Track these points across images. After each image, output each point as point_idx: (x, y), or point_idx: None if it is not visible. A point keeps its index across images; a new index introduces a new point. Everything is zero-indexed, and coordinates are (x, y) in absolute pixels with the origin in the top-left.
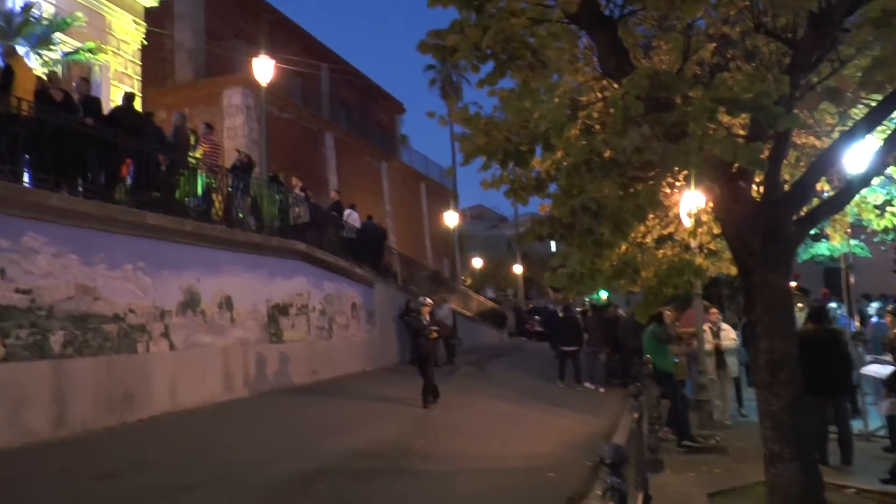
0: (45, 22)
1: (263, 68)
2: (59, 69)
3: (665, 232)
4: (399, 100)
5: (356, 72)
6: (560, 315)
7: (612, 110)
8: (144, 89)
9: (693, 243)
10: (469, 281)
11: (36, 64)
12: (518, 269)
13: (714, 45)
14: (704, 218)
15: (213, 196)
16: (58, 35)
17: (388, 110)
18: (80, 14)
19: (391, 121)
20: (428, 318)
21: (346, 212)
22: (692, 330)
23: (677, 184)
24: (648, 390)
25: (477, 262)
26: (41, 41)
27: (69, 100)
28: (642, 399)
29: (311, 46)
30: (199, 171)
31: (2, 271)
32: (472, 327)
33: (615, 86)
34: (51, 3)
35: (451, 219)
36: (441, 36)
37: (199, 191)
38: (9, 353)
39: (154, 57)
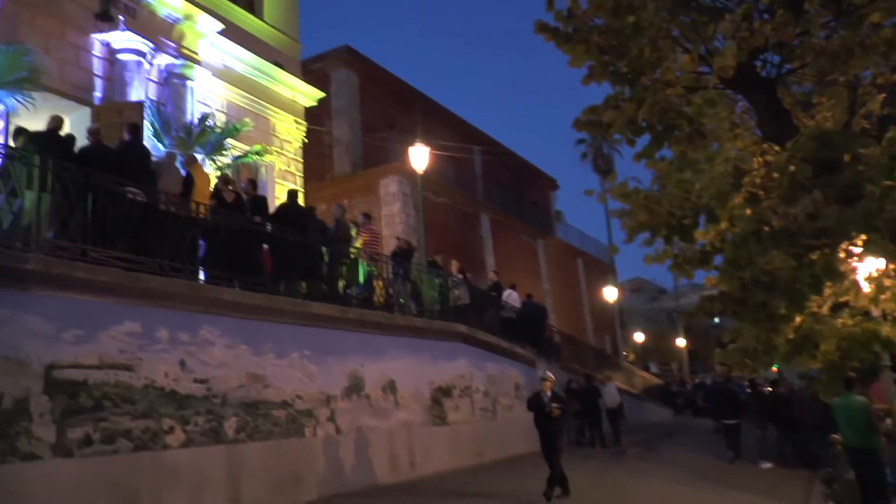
0: (218, 130)
1: (418, 156)
2: (230, 172)
3: (841, 300)
4: (551, 176)
5: (508, 151)
6: (721, 388)
7: (777, 176)
8: (306, 184)
9: (875, 311)
10: (631, 356)
11: (210, 169)
12: (681, 342)
13: (883, 95)
14: (887, 283)
15: (375, 283)
16: (229, 141)
17: (541, 187)
18: (248, 120)
19: (545, 197)
20: (549, 393)
21: (506, 292)
22: (886, 406)
23: (855, 249)
24: (840, 473)
25: (638, 337)
26: (215, 148)
27: (240, 200)
28: (836, 488)
29: (463, 130)
30: (360, 260)
31: (182, 363)
32: (638, 405)
33: (778, 150)
34: (222, 112)
35: (610, 294)
36: (596, 112)
37: (361, 278)
38: (189, 438)
39: (314, 152)
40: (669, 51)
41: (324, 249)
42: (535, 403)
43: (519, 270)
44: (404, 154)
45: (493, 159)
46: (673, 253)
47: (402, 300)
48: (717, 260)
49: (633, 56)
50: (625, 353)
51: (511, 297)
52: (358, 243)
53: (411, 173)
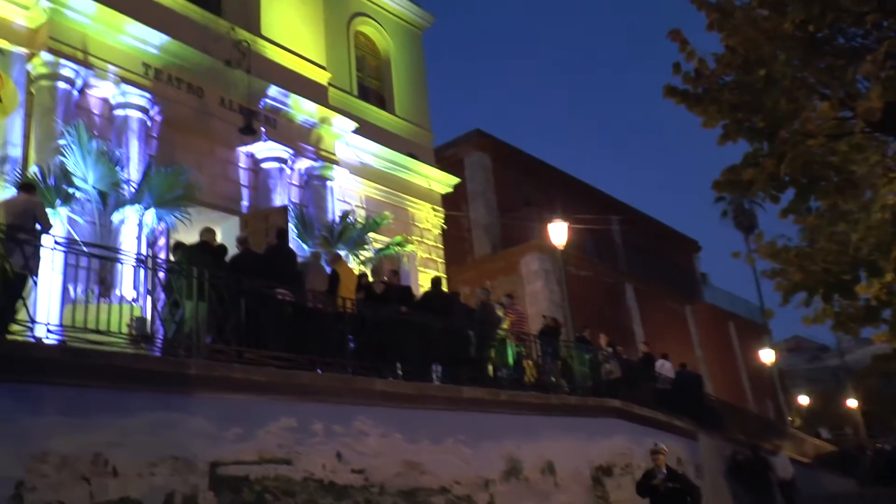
0: (359, 225)
1: (557, 232)
2: (373, 265)
3: None
4: (692, 238)
5: (646, 217)
6: None
7: None
8: (447, 268)
9: None
10: (797, 421)
11: (354, 264)
12: (853, 403)
13: None
14: None
15: (525, 363)
16: (370, 235)
17: (683, 250)
18: (387, 213)
19: (688, 260)
20: (664, 469)
21: (659, 362)
22: None
23: None
24: None
25: (803, 400)
26: (357, 243)
27: (387, 292)
28: None
29: (599, 199)
30: (508, 341)
31: (338, 454)
32: (813, 475)
33: None
34: (362, 207)
35: (767, 356)
36: (735, 172)
37: (511, 360)
38: None
39: (453, 236)
40: (806, 100)
41: (471, 333)
42: (645, 485)
43: (669, 339)
44: (543, 230)
45: (632, 226)
46: (834, 311)
47: (553, 379)
48: (886, 314)
49: (769, 110)
50: (790, 419)
51: (664, 367)
52: (505, 324)
53: (551, 249)
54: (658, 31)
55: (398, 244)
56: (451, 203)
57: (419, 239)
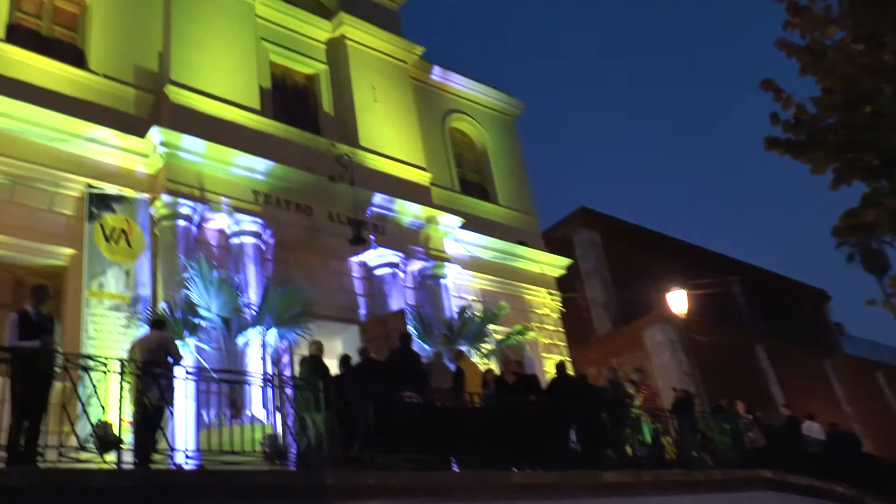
0: (477, 319)
1: (677, 300)
2: (496, 357)
3: None
4: (820, 288)
5: (768, 273)
6: None
7: None
8: (570, 351)
9: None
10: None
11: (476, 358)
12: None
13: None
14: None
15: (662, 440)
16: (490, 327)
17: (812, 302)
18: (503, 303)
19: (819, 312)
20: None
21: (805, 424)
22: None
23: None
24: None
25: None
26: (477, 337)
27: (517, 382)
28: None
29: (716, 261)
30: (642, 419)
31: None
32: None
33: None
34: (478, 301)
35: None
36: (856, 215)
37: (648, 438)
38: None
39: (572, 317)
40: None
41: (604, 415)
42: None
43: (811, 398)
44: (662, 300)
45: (754, 284)
46: None
47: (695, 454)
48: None
49: (881, 146)
50: None
51: (812, 429)
52: (637, 402)
53: (674, 319)
54: (745, 85)
55: (519, 333)
56: (566, 284)
57: (539, 325)
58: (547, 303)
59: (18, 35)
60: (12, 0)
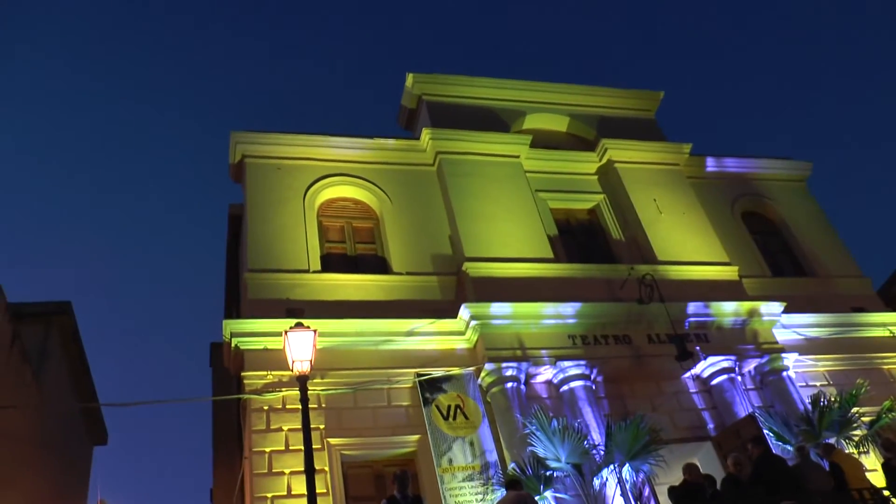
0: (836, 405)
1: None
2: (882, 440)
3: None
4: None
5: None
6: None
7: None
8: None
9: None
10: None
11: (849, 448)
12: None
13: None
14: None
15: None
16: (854, 410)
17: None
18: (860, 380)
19: None
20: None
21: None
22: None
23: None
24: None
25: None
26: (843, 425)
27: None
28: None
29: None
30: None
31: None
32: None
33: None
34: (830, 385)
35: None
36: None
37: None
38: None
39: None
40: None
41: None
42: None
43: None
44: None
45: None
46: None
47: None
48: None
49: None
50: None
51: None
52: None
53: None
54: None
55: (890, 409)
56: None
57: None
58: None
59: (331, 262)
60: (321, 235)
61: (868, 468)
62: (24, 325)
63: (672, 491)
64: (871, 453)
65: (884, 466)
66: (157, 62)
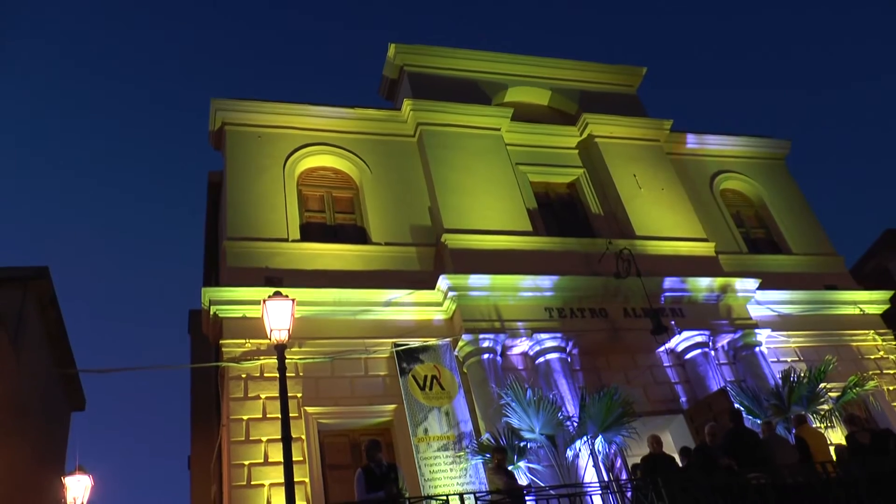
0: (804, 381)
1: None
2: (843, 416)
3: None
4: None
5: None
6: None
7: None
8: None
9: None
10: None
11: (816, 422)
12: None
13: None
14: None
15: None
16: (822, 386)
17: None
18: (828, 357)
19: None
20: None
21: None
22: None
23: None
24: None
25: None
26: (811, 400)
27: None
28: None
29: None
30: None
31: None
32: None
33: None
34: (800, 361)
35: None
36: None
37: None
38: None
39: None
40: None
41: None
42: None
43: None
44: None
45: None
46: None
47: None
48: None
49: None
50: None
51: None
52: None
53: None
54: None
55: (856, 385)
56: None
57: (877, 371)
58: (879, 345)
59: (310, 232)
60: (300, 204)
61: (833, 441)
62: (1, 290)
63: (636, 467)
64: (837, 427)
65: (847, 439)
66: (140, 23)
